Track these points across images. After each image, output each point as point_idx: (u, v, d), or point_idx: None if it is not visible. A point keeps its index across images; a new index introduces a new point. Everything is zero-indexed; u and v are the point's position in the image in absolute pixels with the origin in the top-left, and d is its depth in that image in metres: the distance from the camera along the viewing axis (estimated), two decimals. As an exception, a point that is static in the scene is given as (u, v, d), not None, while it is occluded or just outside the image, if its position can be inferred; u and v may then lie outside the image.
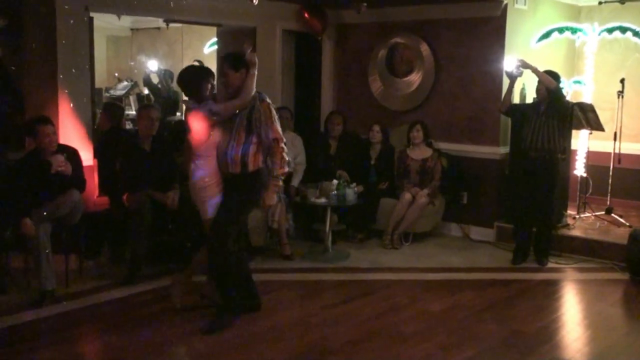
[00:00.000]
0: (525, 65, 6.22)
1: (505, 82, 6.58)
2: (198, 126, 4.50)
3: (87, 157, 5.84)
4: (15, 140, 5.60)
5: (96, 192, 5.97)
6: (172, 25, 10.91)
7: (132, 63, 12.55)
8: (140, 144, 5.70)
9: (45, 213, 4.96)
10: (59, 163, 5.00)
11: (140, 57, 12.16)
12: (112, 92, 12.18)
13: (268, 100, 4.63)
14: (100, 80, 12.59)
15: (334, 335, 4.50)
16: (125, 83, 12.26)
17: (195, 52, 11.38)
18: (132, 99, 11.72)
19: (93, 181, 5.94)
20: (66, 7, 5.61)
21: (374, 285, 5.60)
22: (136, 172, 5.58)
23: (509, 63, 6.45)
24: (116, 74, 12.66)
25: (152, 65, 11.45)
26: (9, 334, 4.47)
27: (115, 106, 6.71)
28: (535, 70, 6.14)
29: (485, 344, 4.41)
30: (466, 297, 5.34)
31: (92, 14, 5.97)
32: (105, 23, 11.09)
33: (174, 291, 4.87)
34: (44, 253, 4.90)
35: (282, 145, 4.61)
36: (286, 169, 4.71)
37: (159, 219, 5.60)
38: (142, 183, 5.55)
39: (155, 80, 11.28)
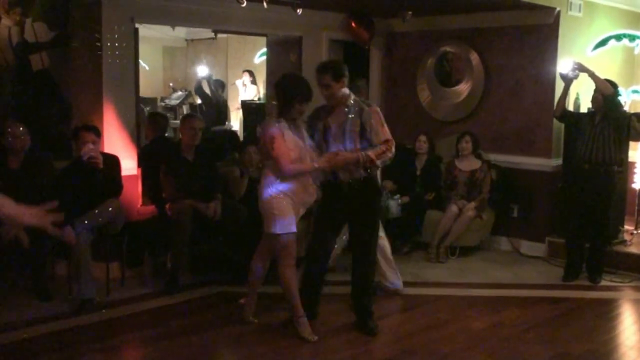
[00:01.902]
0: (581, 68, 5.97)
1: (559, 86, 6.30)
2: (281, 149, 4.31)
3: (131, 167, 5.91)
4: (62, 149, 5.70)
5: (139, 201, 6.02)
6: (225, 35, 11.05)
7: (178, 74, 12.78)
8: (183, 153, 5.72)
9: (86, 221, 5.02)
10: (89, 150, 5.01)
11: (195, 67, 12.34)
12: (167, 101, 12.40)
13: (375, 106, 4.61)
14: (156, 90, 12.86)
15: (368, 352, 4.38)
16: (180, 93, 12.46)
17: (248, 62, 11.48)
18: (185, 108, 11.88)
19: (137, 190, 5.99)
20: (112, 18, 5.70)
21: (415, 300, 5.44)
22: (178, 182, 5.59)
23: (564, 65, 6.21)
24: (171, 84, 12.88)
25: (202, 71, 11.60)
26: (50, 340, 4.51)
27: (159, 116, 6.78)
28: (592, 75, 5.87)
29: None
30: (511, 315, 5.13)
31: (145, 25, 6.03)
32: (161, 34, 11.31)
33: (247, 310, 4.79)
34: (84, 262, 4.95)
35: (392, 146, 4.47)
36: (378, 163, 4.44)
37: (201, 229, 5.60)
38: (184, 193, 5.57)
39: (206, 87, 11.42)
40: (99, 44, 5.66)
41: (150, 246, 5.89)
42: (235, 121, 11.42)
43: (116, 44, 5.74)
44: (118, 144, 5.83)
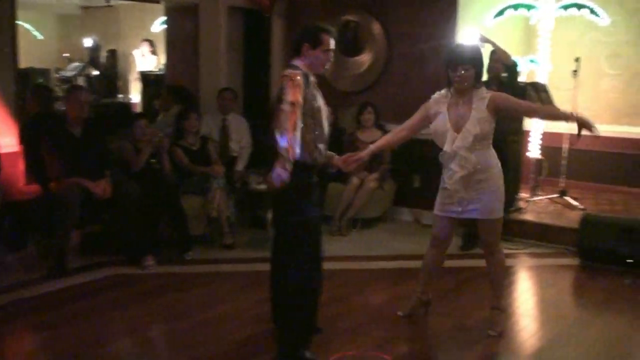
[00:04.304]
0: (484, 39, 5.99)
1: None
2: None
3: (10, 143, 5.50)
4: None
5: (22, 180, 5.62)
6: (124, 2, 10.53)
7: (75, 44, 12.16)
8: (69, 128, 5.37)
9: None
10: None
11: (91, 37, 11.74)
12: (62, 73, 11.76)
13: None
14: (49, 61, 12.15)
15: (265, 332, 4.23)
16: (77, 64, 11.85)
17: (147, 30, 11.00)
18: (81, 80, 11.29)
19: (18, 168, 5.59)
20: (-18, -19, 5.24)
21: (315, 275, 5.34)
22: (64, 159, 5.26)
23: (465, 36, 6.21)
24: (67, 55, 12.21)
25: (88, 42, 11.18)
26: None
27: (43, 88, 6.35)
28: (494, 45, 5.93)
29: (422, 340, 4.20)
30: (410, 287, 5.07)
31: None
32: (54, 0, 10.67)
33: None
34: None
35: None
36: None
37: (90, 208, 5.30)
38: (71, 170, 5.25)
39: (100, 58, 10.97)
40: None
41: (35, 228, 5.52)
42: (136, 93, 10.96)
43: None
44: (-5, 119, 5.41)
